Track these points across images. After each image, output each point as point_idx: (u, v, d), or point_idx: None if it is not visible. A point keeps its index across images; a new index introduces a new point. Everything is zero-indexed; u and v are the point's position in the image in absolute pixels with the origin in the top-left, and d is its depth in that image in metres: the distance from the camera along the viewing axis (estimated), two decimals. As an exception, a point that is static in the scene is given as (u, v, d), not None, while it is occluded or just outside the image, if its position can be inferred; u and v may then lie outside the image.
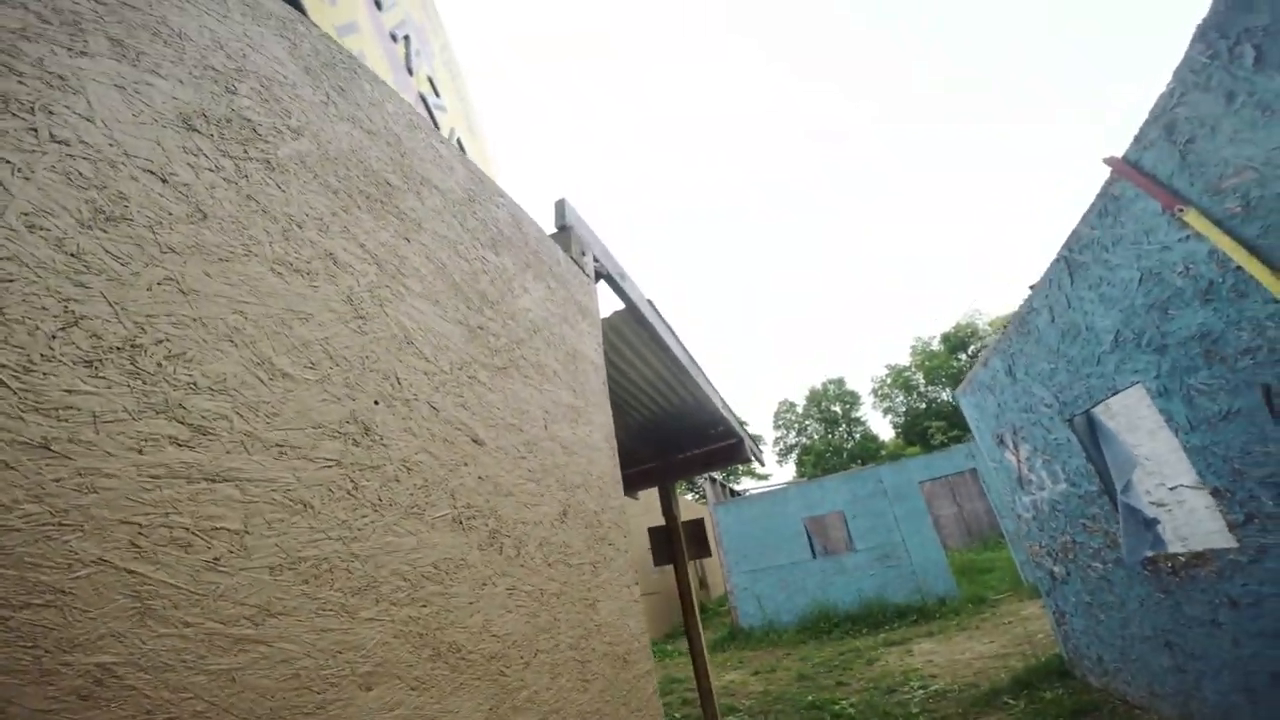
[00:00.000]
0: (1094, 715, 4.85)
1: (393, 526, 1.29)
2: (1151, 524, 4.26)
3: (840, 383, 57.57)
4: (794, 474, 53.36)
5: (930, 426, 43.68)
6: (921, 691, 6.67)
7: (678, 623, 17.54)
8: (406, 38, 2.67)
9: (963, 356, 47.32)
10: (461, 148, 2.82)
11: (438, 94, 3.04)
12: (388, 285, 1.51)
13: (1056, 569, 5.74)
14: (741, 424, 5.64)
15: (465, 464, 1.50)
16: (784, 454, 56.92)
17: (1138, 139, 3.26)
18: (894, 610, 12.16)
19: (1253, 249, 2.74)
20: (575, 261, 2.56)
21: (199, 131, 1.17)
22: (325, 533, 1.18)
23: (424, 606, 1.27)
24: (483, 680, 1.32)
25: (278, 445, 1.15)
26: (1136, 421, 4.95)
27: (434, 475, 1.42)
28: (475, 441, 1.56)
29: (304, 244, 1.30)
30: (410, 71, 2.70)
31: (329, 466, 1.25)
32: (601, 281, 2.94)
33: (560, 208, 2.67)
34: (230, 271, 1.13)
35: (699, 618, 5.83)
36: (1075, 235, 3.97)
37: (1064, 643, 6.01)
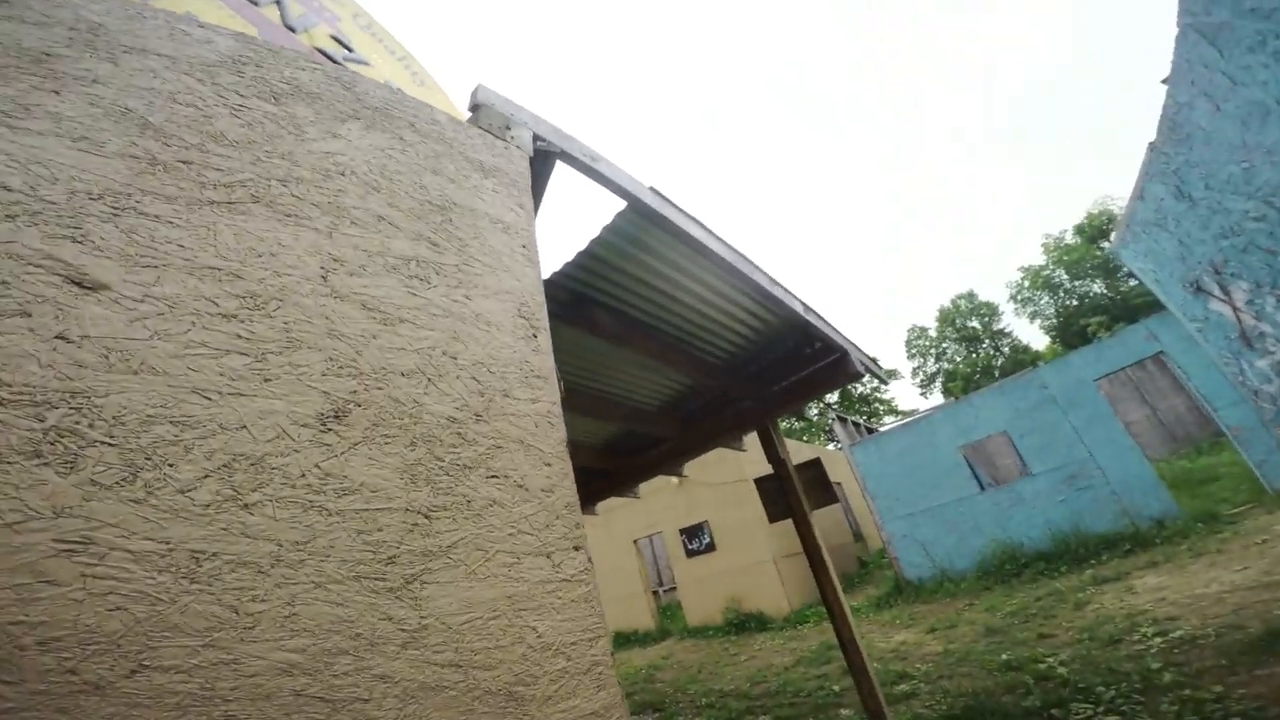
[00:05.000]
0: None
1: None
2: None
3: (970, 296, 45.88)
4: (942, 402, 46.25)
5: (1090, 324, 33.73)
6: (1159, 640, 4.79)
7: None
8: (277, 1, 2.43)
9: (1105, 245, 37.31)
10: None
11: (350, 49, 2.76)
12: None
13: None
14: (843, 335, 4.44)
15: (25, 313, 0.74)
16: (926, 384, 46.31)
17: None
18: (1097, 541, 9.07)
19: None
20: (483, 129, 1.98)
21: None
22: None
23: None
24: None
25: None
26: None
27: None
28: (77, 284, 0.79)
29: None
30: (293, 29, 2.44)
31: None
32: (574, 174, 2.40)
33: (474, 92, 2.30)
34: None
35: (835, 579, 4.70)
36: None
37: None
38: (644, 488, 15.16)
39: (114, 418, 0.76)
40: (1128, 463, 9.77)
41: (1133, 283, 36.88)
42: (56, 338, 0.76)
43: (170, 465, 0.77)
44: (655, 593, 16.22)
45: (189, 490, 0.77)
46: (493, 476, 1.12)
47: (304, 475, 0.87)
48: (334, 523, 0.86)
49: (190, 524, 0.75)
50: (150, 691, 0.67)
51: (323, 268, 1.09)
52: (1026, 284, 43.45)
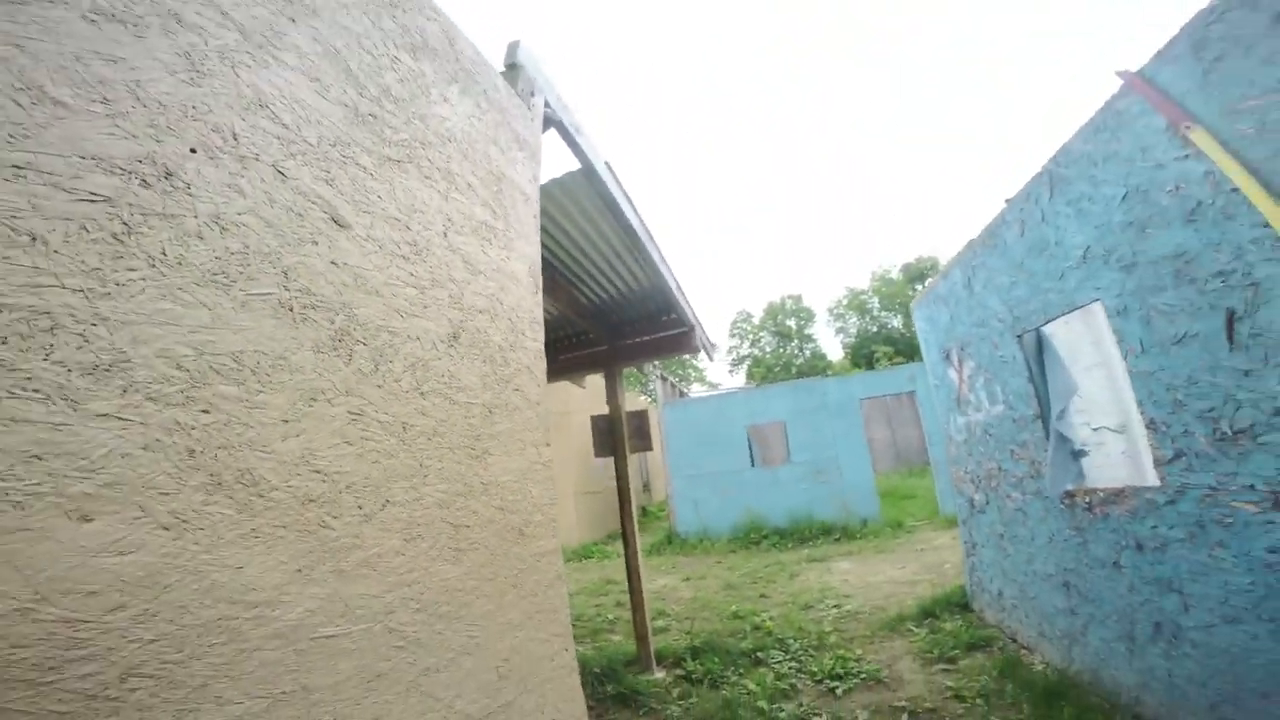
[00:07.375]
0: (986, 650, 4.69)
1: (177, 291, 0.89)
2: (1079, 455, 4.12)
3: (798, 299, 52.39)
4: (744, 384, 51.96)
5: (877, 351, 40.47)
6: (835, 610, 6.46)
7: (618, 525, 17.42)
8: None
9: (919, 287, 45.29)
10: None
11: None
12: (250, 53, 1.08)
13: (976, 496, 5.56)
14: (694, 313, 5.30)
15: (314, 242, 1.08)
16: (736, 364, 53.30)
17: (1160, 54, 2.88)
18: (819, 527, 11.68)
19: (1255, 171, 2.49)
20: (519, 96, 2.17)
21: None
22: (57, 277, 0.78)
23: (206, 412, 0.88)
24: (290, 530, 0.96)
25: (14, 166, 0.76)
26: (1077, 354, 4.75)
27: (262, 244, 1.00)
28: (335, 221, 1.14)
29: (142, 1, 0.93)
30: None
31: (92, 201, 0.84)
32: (553, 135, 2.62)
33: (512, 48, 2.35)
34: (20, 13, 0.80)
35: (635, 520, 5.63)
36: (1064, 150, 3.56)
37: (969, 574, 5.72)
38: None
39: (363, 325, 1.16)
40: (860, 470, 12.42)
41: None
42: (331, 263, 1.11)
43: (390, 362, 1.19)
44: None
45: (399, 379, 1.21)
46: (517, 390, 1.66)
47: (442, 376, 1.33)
48: (453, 411, 1.35)
49: (401, 403, 1.20)
50: (393, 521, 1.15)
51: (444, 226, 1.48)
52: (845, 302, 49.28)
